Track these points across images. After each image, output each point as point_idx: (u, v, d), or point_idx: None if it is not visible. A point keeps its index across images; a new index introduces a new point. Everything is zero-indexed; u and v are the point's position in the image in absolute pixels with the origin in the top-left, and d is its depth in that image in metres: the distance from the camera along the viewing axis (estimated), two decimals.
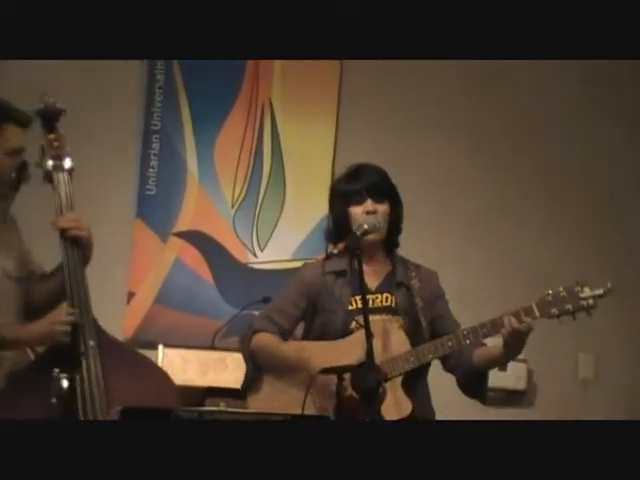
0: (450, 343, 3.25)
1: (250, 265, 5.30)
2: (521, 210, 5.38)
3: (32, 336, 3.15)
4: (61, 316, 3.12)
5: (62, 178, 3.26)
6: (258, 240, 5.32)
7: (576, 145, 5.44)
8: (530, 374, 5.26)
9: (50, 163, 3.27)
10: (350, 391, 3.15)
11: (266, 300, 4.91)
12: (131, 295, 5.18)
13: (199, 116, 5.32)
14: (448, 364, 3.39)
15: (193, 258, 5.26)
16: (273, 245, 5.33)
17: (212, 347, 4.93)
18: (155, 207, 5.24)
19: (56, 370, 2.83)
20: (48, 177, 3.27)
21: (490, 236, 5.35)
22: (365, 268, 3.34)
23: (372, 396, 2.92)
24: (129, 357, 3.30)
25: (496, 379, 4.80)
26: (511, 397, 5.21)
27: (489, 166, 5.39)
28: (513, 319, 3.15)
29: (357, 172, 3.46)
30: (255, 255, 5.31)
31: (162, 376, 3.26)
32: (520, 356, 4.99)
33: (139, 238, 5.21)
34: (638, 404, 5.20)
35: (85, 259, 3.25)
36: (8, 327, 3.19)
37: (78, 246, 3.22)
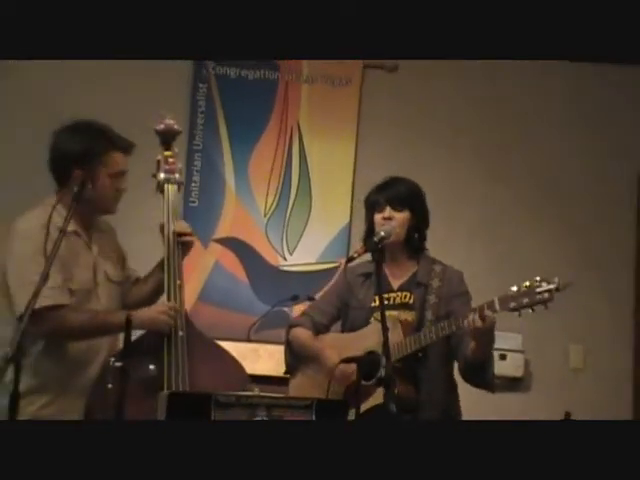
0: (432, 335, 3.28)
1: (280, 267, 5.39)
2: (520, 216, 5.42)
3: (141, 321, 3.13)
4: (167, 308, 3.21)
5: (172, 189, 3.40)
6: (287, 245, 5.40)
7: (569, 155, 5.47)
8: (527, 363, 5.29)
9: (162, 176, 3.42)
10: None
11: (294, 298, 5.03)
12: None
13: (236, 137, 5.43)
14: (455, 356, 3.42)
15: (231, 261, 5.36)
16: (301, 249, 5.41)
17: (247, 339, 5.02)
18: (197, 217, 5.32)
19: (112, 359, 2.83)
20: (160, 188, 3.41)
21: (492, 241, 5.40)
22: (391, 270, 3.49)
23: (389, 382, 2.87)
24: (211, 348, 3.35)
25: (497, 367, 4.86)
26: (510, 383, 5.24)
27: (489, 177, 5.43)
28: (476, 317, 3.13)
29: (385, 184, 3.53)
30: (285, 258, 5.39)
31: (237, 367, 3.32)
32: (518, 347, 5.15)
33: None
34: (621, 390, 5.24)
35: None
36: (118, 313, 3.26)
37: (183, 249, 3.34)
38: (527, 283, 3.11)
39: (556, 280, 3.08)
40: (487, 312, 3.13)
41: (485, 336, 3.20)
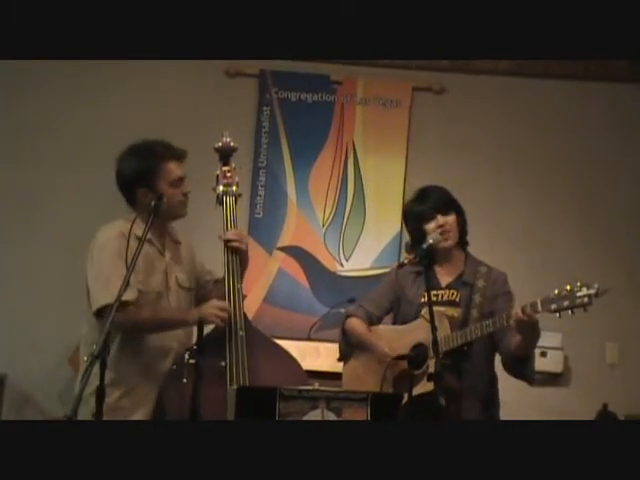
0: (477, 331, 3.24)
1: (338, 273, 5.42)
2: (557, 224, 5.35)
3: (194, 317, 3.13)
4: (215, 305, 3.20)
5: (230, 201, 3.40)
6: (344, 252, 5.41)
7: (602, 169, 5.41)
8: (566, 359, 5.26)
9: (221, 189, 3.41)
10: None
11: (351, 301, 4.99)
12: (244, 297, 5.24)
13: (297, 154, 5.49)
14: (498, 349, 3.39)
15: (293, 267, 5.41)
16: (356, 256, 5.43)
17: (308, 338, 5.02)
18: (262, 227, 5.36)
19: (186, 356, 2.87)
20: (219, 200, 3.41)
21: (531, 245, 5.36)
22: (440, 268, 3.47)
23: (439, 377, 2.86)
24: (271, 347, 3.34)
25: (538, 363, 4.75)
26: (551, 378, 5.21)
27: (530, 190, 5.39)
28: (519, 311, 3.11)
29: (424, 194, 3.49)
30: (341, 265, 5.41)
31: (295, 364, 3.31)
32: (558, 345, 5.06)
33: (250, 252, 5.25)
34: None
35: (243, 266, 3.38)
36: (175, 310, 3.28)
37: (237, 254, 3.35)
38: (568, 287, 3.08)
39: (596, 286, 3.04)
40: (530, 312, 3.10)
41: (531, 331, 3.17)
